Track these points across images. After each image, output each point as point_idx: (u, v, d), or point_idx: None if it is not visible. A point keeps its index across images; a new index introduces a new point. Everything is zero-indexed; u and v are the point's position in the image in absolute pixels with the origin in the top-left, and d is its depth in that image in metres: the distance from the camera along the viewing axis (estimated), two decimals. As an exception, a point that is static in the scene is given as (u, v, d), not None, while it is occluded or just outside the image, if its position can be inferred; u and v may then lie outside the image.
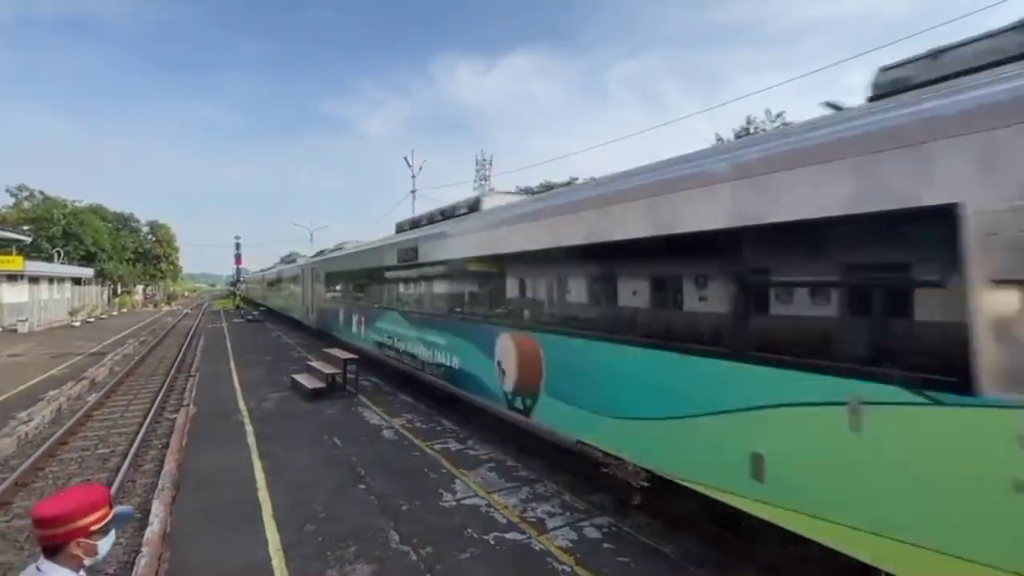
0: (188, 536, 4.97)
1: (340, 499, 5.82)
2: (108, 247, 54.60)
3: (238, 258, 49.86)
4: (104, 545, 1.98)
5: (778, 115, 25.88)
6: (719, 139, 25.27)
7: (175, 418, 9.32)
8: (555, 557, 4.58)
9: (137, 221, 66.72)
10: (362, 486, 6.21)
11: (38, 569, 1.87)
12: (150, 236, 68.77)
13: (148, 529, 5.01)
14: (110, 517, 1.98)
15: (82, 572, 1.94)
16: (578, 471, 6.37)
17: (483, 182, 42.28)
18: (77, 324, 31.72)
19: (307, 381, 11.27)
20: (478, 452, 7.38)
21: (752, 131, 25.09)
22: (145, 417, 9.80)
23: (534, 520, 5.29)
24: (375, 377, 12.99)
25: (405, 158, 31.88)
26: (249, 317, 33.51)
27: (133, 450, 7.92)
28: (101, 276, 50.67)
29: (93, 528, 1.91)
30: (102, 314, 40.17)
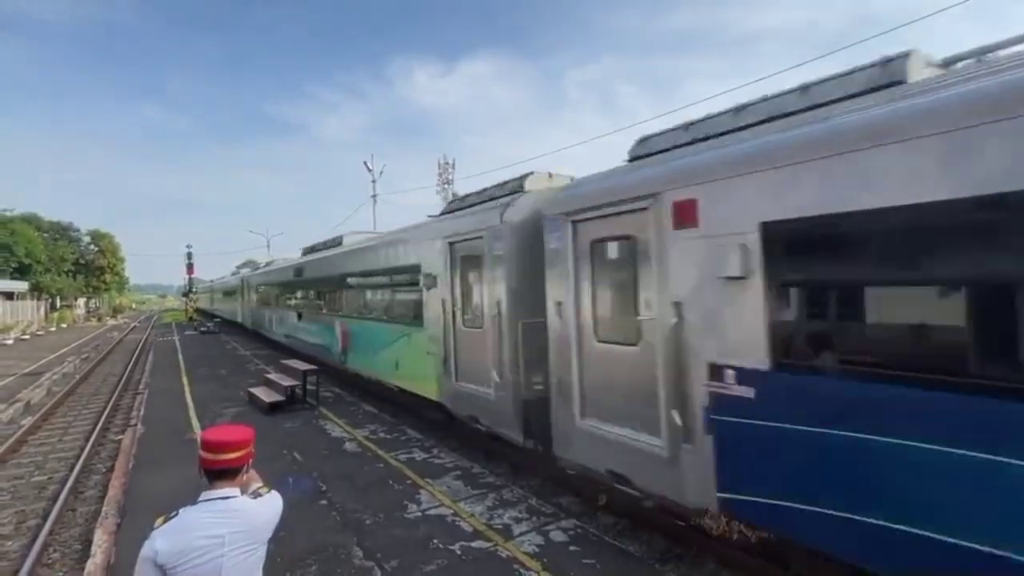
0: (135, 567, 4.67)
1: (300, 516, 5.61)
2: (44, 259, 51.26)
3: (190, 268, 47.80)
4: None
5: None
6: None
7: (121, 439, 8.82)
8: (522, 563, 4.57)
9: (77, 230, 62.96)
10: (323, 501, 6.02)
11: (222, 497, 2.09)
12: (92, 246, 64.96)
13: (90, 561, 4.71)
14: None
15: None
16: (545, 474, 6.39)
17: (446, 185, 41.99)
18: (10, 342, 29.54)
19: (265, 395, 10.85)
20: (443, 460, 7.29)
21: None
22: (87, 440, 9.22)
23: (500, 527, 5.27)
24: (338, 388, 12.67)
25: (365, 163, 31.36)
26: (203, 329, 31.96)
27: (74, 476, 7.44)
28: (37, 290, 47.52)
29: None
30: (38, 331, 37.63)
